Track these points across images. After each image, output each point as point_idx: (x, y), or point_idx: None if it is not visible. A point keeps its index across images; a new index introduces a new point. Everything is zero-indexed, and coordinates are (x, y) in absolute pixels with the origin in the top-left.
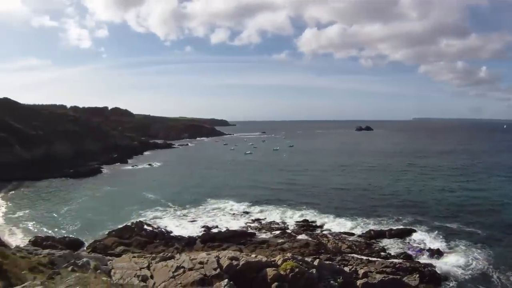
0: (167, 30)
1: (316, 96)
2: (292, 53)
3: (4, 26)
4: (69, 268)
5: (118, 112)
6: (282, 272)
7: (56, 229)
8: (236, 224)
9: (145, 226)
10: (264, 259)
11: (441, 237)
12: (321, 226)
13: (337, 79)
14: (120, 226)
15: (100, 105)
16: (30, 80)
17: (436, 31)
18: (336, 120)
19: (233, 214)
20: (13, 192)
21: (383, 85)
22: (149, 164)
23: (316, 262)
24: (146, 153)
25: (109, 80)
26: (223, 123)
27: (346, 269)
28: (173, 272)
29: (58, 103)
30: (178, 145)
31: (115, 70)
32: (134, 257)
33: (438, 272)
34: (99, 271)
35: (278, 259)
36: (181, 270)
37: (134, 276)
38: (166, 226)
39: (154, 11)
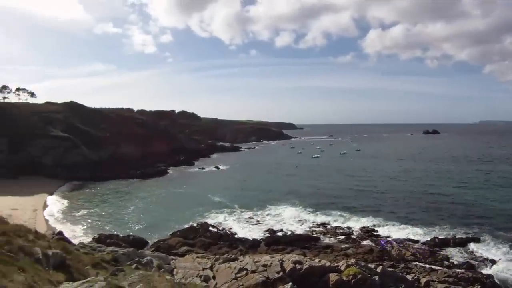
0: (231, 34)
1: (381, 98)
2: (357, 55)
3: (68, 34)
4: (133, 266)
5: (185, 115)
6: (344, 278)
7: (120, 228)
8: (300, 228)
9: (210, 228)
10: (328, 264)
11: (507, 247)
12: (385, 232)
13: (402, 81)
14: (185, 227)
15: (167, 108)
16: (96, 85)
17: (500, 29)
18: (402, 123)
19: (299, 218)
20: (79, 191)
21: (448, 87)
22: (216, 167)
23: (379, 269)
24: (213, 156)
25: (175, 84)
26: (290, 126)
27: (409, 277)
28: (235, 274)
29: (124, 106)
30: (245, 148)
31: (181, 74)
32: (197, 257)
33: (497, 282)
34: (162, 269)
35: (342, 264)
36: (244, 272)
37: (196, 276)
38: (231, 228)
39: (217, 16)
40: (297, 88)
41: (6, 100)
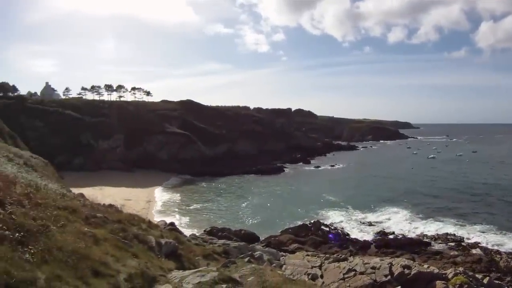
0: (343, 31)
1: (497, 96)
2: (470, 50)
3: (180, 35)
4: (246, 259)
5: (301, 113)
6: (451, 287)
7: (233, 222)
8: (411, 232)
9: (322, 226)
10: (436, 270)
11: None
12: (497, 242)
13: None
14: (298, 224)
15: (282, 106)
16: (211, 83)
17: None
18: None
19: (410, 221)
20: (193, 185)
21: None
22: (331, 165)
23: (485, 280)
24: (329, 154)
25: (290, 82)
26: (407, 125)
27: None
28: (343, 274)
29: (241, 104)
30: (362, 147)
31: (295, 72)
32: (307, 255)
33: None
34: (274, 264)
35: (449, 272)
36: (352, 273)
37: (304, 274)
38: (342, 228)
39: (327, 13)
40: (411, 86)
41: (122, 99)
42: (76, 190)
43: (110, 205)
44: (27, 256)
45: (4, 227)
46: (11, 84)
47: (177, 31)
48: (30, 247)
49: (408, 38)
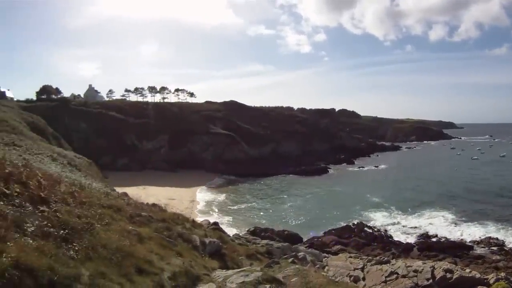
0: (384, 30)
1: None
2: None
3: (222, 37)
4: (289, 260)
5: (345, 113)
6: None
7: (276, 223)
8: (454, 235)
9: (366, 228)
10: (478, 275)
11: None
12: None
13: None
14: (341, 225)
15: (326, 106)
16: (254, 85)
17: None
18: None
19: (454, 223)
20: (238, 186)
21: None
22: (375, 166)
23: None
24: (373, 155)
25: (333, 82)
26: (450, 125)
27: None
28: (385, 277)
29: (284, 105)
30: (405, 148)
31: (337, 72)
32: (350, 257)
33: None
34: (317, 265)
35: (491, 277)
36: (394, 276)
37: (346, 276)
38: (386, 230)
39: (367, 12)
40: (453, 84)
41: (165, 100)
42: (119, 189)
43: (154, 204)
44: (71, 253)
45: (48, 224)
46: (54, 87)
47: (218, 33)
48: (74, 244)
49: (449, 35)
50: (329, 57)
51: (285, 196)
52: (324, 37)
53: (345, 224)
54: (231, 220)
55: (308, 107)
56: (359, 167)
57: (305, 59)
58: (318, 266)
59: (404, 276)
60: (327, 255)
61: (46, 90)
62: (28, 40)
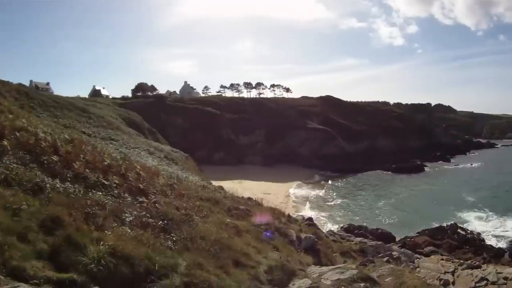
0: (475, 19)
1: None
2: None
3: (314, 32)
4: (384, 259)
5: (441, 108)
6: None
7: (369, 220)
8: None
9: (459, 230)
10: None
11: None
12: None
13: None
14: (434, 226)
15: (421, 101)
16: (348, 79)
17: None
18: None
19: None
20: (333, 181)
21: None
22: (471, 164)
23: None
24: (469, 152)
25: (427, 75)
26: None
27: None
28: (475, 283)
29: (380, 99)
30: (501, 145)
31: (431, 65)
32: (441, 259)
33: None
34: (411, 266)
35: None
36: (484, 282)
37: (436, 279)
38: (479, 233)
39: (457, 1)
40: None
41: (261, 96)
42: (215, 183)
43: (249, 198)
44: (169, 243)
45: (147, 215)
46: (149, 84)
47: (310, 27)
48: (172, 234)
49: None
50: (422, 49)
51: (379, 194)
52: (416, 28)
53: (438, 225)
54: (325, 216)
55: (404, 102)
56: (455, 165)
57: (398, 52)
58: (412, 266)
59: (493, 283)
60: (419, 256)
61: (141, 88)
62: (120, 41)
